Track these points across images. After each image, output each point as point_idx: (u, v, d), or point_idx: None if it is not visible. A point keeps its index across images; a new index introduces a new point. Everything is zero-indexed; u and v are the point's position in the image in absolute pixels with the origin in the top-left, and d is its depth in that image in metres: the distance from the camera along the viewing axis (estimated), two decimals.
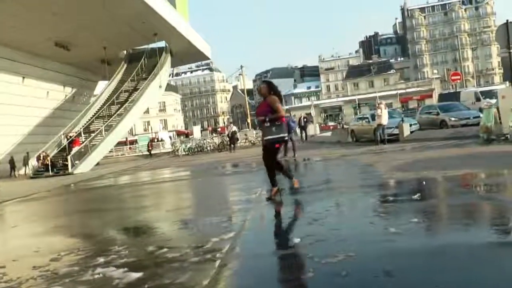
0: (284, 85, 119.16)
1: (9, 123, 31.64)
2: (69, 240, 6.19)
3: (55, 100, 39.71)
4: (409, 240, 4.10)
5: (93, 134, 29.82)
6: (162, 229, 6.45)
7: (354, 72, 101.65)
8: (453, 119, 20.54)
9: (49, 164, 27.62)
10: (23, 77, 35.01)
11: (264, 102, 7.03)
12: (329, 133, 36.64)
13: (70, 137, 30.04)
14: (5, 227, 9.60)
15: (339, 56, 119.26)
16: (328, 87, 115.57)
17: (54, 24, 29.92)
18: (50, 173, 26.97)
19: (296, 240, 4.40)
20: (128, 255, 4.65)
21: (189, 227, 6.25)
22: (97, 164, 28.74)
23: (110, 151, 30.71)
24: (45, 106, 38.01)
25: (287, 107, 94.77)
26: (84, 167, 26.88)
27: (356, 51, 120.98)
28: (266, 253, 4.22)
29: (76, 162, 27.09)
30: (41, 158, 28.77)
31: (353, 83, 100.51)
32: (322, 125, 62.12)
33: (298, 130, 23.04)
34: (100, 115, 33.15)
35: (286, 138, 7.26)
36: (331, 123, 75.35)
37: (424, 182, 7.39)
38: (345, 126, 37.99)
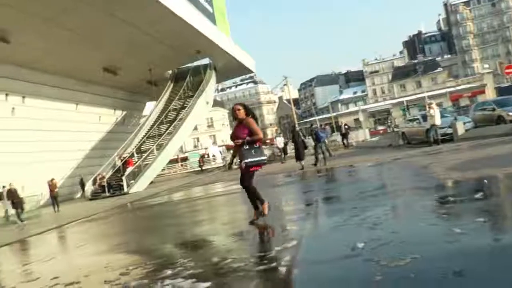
0: (329, 92, 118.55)
1: (65, 149, 33.17)
2: (133, 256, 6.39)
3: (107, 124, 41.26)
4: (476, 239, 3.98)
5: (145, 154, 30.66)
6: (222, 241, 6.54)
7: (400, 74, 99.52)
8: (511, 114, 19.67)
9: (106, 185, 28.59)
10: (77, 104, 36.64)
11: (240, 124, 6.88)
12: (377, 138, 36.07)
13: (124, 158, 31.04)
14: (73, 245, 10.05)
15: (383, 59, 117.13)
16: (374, 91, 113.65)
17: (103, 52, 31.22)
18: (107, 194, 27.90)
19: (360, 245, 4.37)
20: (194, 267, 4.78)
21: (248, 238, 6.33)
22: (151, 182, 29.48)
23: (162, 169, 31.47)
24: (98, 130, 39.56)
25: (334, 114, 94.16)
26: (139, 186, 27.65)
27: (400, 52, 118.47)
28: (331, 259, 4.23)
29: (131, 182, 27.91)
30: (98, 180, 29.82)
31: (400, 84, 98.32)
32: (371, 130, 60.93)
33: (339, 138, 23.06)
34: (151, 135, 34.07)
35: (265, 161, 6.93)
36: (380, 127, 73.95)
37: (485, 181, 7.14)
38: (395, 129, 37.21)
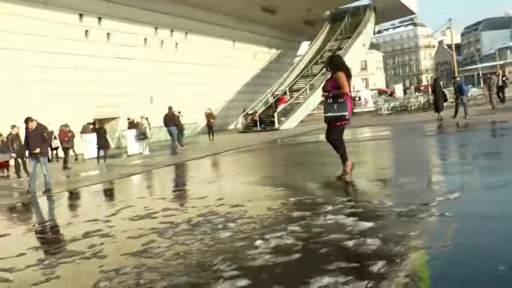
0: (499, 37, 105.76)
1: (221, 83, 35.30)
2: (287, 189, 6.63)
3: (261, 61, 42.57)
4: None
5: (297, 93, 31.11)
6: (380, 184, 6.41)
7: None
8: None
9: (257, 120, 29.81)
10: (234, 41, 38.30)
11: (331, 77, 6.69)
12: None
13: (276, 95, 31.90)
14: (228, 172, 10.79)
15: None
16: None
17: None
18: (258, 128, 29.12)
19: None
20: (355, 206, 4.86)
21: (407, 184, 6.11)
22: (301, 121, 29.95)
23: (312, 109, 31.57)
24: (253, 67, 41.05)
25: (501, 62, 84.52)
26: (289, 123, 28.33)
27: None
28: (495, 215, 3.98)
29: (282, 119, 28.69)
30: (250, 114, 31.22)
31: None
32: None
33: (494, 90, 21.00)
34: (304, 74, 34.30)
35: (347, 116, 6.55)
36: None
37: None
38: None
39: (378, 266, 2.99)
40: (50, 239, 5.14)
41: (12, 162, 15.65)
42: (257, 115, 30.09)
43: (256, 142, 19.06)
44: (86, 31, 25.30)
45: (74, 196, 9.81)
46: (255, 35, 39.76)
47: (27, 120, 10.59)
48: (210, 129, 24.80)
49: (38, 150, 10.38)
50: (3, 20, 20.61)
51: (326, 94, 6.64)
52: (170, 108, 19.63)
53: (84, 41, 25.07)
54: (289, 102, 29.95)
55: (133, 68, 27.62)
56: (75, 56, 24.00)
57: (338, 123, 6.65)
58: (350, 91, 6.67)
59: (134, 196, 8.32)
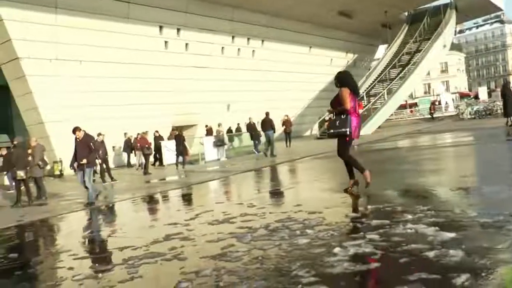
0: None
1: (298, 89, 35.37)
2: (364, 196, 6.54)
3: (338, 67, 42.01)
4: None
5: (374, 98, 30.48)
6: (463, 193, 6.16)
7: None
8: None
9: None
10: (310, 47, 38.30)
11: (337, 94, 6.87)
12: None
13: None
14: (305, 179, 10.77)
15: None
16: None
17: None
18: None
19: None
20: (436, 215, 4.68)
21: (492, 194, 5.79)
22: (379, 127, 29.30)
23: (390, 115, 30.83)
24: (329, 72, 40.68)
25: None
26: (366, 129, 27.75)
27: None
28: None
29: None
30: (327, 121, 30.99)
31: None
32: None
33: None
34: (382, 78, 33.57)
35: (348, 133, 6.68)
36: None
37: None
38: None
39: (461, 279, 2.88)
40: (133, 240, 5.42)
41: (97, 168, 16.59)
42: None
43: (332, 149, 18.74)
44: (166, 42, 26.44)
45: (154, 200, 10.25)
46: (331, 40, 39.58)
47: (75, 130, 10.44)
48: (288, 135, 24.93)
49: (84, 161, 10.15)
50: (91, 36, 22.10)
51: (331, 109, 6.99)
52: (267, 114, 20.03)
53: (164, 52, 26.22)
54: (366, 107, 29.41)
55: (210, 77, 28.47)
56: (155, 66, 25.19)
57: (343, 139, 6.86)
58: (356, 107, 6.84)
59: (213, 201, 8.56)
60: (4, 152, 14.82)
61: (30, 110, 21.26)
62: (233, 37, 30.84)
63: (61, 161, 20.81)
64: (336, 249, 3.87)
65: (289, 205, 6.50)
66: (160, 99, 25.21)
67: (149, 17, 24.85)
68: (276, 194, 8.38)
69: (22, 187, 11.79)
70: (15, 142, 12.80)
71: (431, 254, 3.44)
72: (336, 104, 6.86)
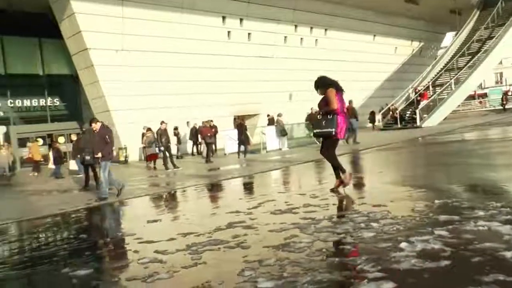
0: None
1: (361, 79, 34.58)
2: (431, 191, 6.33)
3: (402, 55, 40.88)
4: None
5: (441, 88, 29.29)
6: None
7: None
8: None
9: (398, 117, 28.71)
10: (374, 35, 37.35)
11: (324, 97, 6.98)
12: None
13: (418, 91, 30.37)
14: (369, 171, 10.57)
15: None
16: None
17: None
18: (399, 125, 28.04)
19: None
20: (511, 213, 4.43)
21: None
22: (445, 118, 28.17)
23: (457, 105, 29.51)
24: (393, 61, 39.59)
25: None
26: (432, 121, 26.82)
27: None
28: None
29: (424, 115, 27.28)
30: (390, 111, 30.17)
31: None
32: None
33: None
34: (449, 67, 32.13)
35: (333, 133, 6.73)
36: None
37: None
38: None
39: None
40: (196, 227, 5.52)
41: (160, 155, 17.13)
42: (397, 112, 29.01)
43: (397, 140, 18.41)
44: (229, 32, 26.67)
45: (216, 188, 10.40)
46: (396, 28, 38.37)
47: (91, 121, 10.13)
48: (350, 126, 24.55)
49: (99, 154, 9.76)
50: (156, 27, 22.70)
51: (317, 110, 7.12)
52: (350, 102, 19.84)
53: (227, 42, 26.47)
54: (432, 97, 28.33)
55: (273, 66, 28.47)
56: (219, 56, 25.52)
57: (330, 138, 6.94)
58: (344, 107, 6.97)
59: (275, 191, 8.57)
60: (74, 138, 15.63)
61: (97, 99, 22.25)
62: (295, 26, 30.60)
63: (125, 148, 21.65)
64: (403, 244, 3.75)
65: (352, 197, 6.39)
66: (222, 89, 25.56)
67: (212, 7, 25.16)
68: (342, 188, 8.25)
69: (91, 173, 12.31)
70: (83, 129, 13.39)
71: (508, 254, 3.25)
72: (323, 106, 6.94)
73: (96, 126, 9.88)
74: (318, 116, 7.02)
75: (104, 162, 9.77)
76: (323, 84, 7.02)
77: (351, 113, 19.21)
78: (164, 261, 4.23)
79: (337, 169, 7.05)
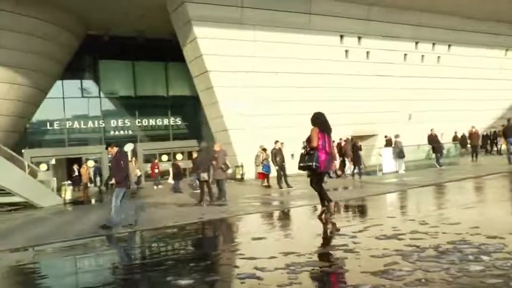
0: None
1: (489, 98, 31.99)
2: None
3: None
4: None
5: None
6: None
7: None
8: None
9: None
10: (506, 50, 34.52)
11: None
12: None
13: None
14: (492, 198, 9.70)
15: None
16: None
17: None
18: None
19: None
20: None
21: None
22: None
23: None
24: None
25: None
26: None
27: None
28: None
29: None
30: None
31: None
32: None
33: None
34: None
35: (314, 166, 7.38)
36: None
37: None
38: None
39: None
40: (299, 247, 5.53)
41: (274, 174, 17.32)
42: None
43: None
44: (346, 51, 26.46)
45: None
46: None
47: (108, 146, 9.75)
48: (473, 149, 22.90)
49: (113, 180, 9.47)
50: (273, 48, 23.35)
51: (303, 146, 7.66)
52: (509, 120, 18.90)
53: (344, 61, 26.27)
54: None
55: (391, 85, 27.58)
56: (336, 75, 25.37)
57: (315, 172, 7.59)
58: (326, 145, 7.45)
59: (384, 215, 8.29)
60: (195, 155, 16.58)
61: (216, 119, 23.39)
62: (416, 43, 29.42)
63: (242, 166, 22.34)
64: None
65: (465, 225, 5.94)
66: (340, 109, 25.28)
67: (330, 26, 25.18)
68: (453, 212, 7.73)
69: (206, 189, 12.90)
70: (200, 147, 14.16)
71: None
72: (308, 142, 7.55)
73: (113, 151, 9.50)
74: (303, 151, 7.65)
75: (118, 189, 9.35)
76: (312, 122, 7.66)
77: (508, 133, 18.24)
78: (261, 278, 4.31)
79: (323, 198, 7.69)
